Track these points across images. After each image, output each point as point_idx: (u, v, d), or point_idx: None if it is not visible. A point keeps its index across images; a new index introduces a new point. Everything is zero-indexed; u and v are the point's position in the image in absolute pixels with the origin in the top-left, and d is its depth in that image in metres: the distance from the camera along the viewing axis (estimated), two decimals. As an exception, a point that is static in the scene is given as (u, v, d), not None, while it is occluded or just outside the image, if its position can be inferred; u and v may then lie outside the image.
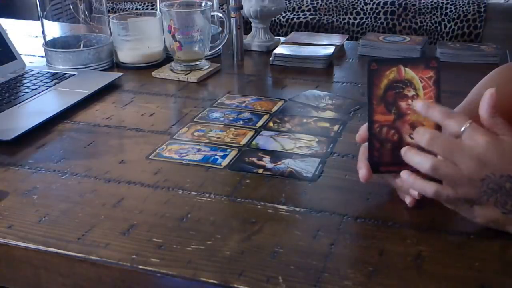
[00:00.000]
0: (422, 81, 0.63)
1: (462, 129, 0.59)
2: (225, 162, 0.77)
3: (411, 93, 0.63)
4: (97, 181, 0.74)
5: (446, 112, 0.61)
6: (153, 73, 1.14)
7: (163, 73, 1.14)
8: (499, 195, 0.57)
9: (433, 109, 0.61)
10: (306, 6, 2.36)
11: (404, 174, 0.63)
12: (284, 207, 0.67)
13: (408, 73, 0.63)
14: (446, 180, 0.59)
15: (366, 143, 0.66)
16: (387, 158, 0.65)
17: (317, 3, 2.36)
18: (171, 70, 1.15)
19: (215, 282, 0.54)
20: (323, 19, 2.29)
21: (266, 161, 0.77)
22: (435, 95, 0.63)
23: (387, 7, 2.27)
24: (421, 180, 0.61)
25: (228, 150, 0.81)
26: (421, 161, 0.60)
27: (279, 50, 1.22)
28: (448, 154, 0.59)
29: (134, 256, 0.58)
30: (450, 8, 2.20)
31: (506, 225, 0.59)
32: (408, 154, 0.62)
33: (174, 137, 0.86)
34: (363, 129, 0.66)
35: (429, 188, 0.60)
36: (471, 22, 2.15)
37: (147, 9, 2.43)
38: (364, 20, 2.28)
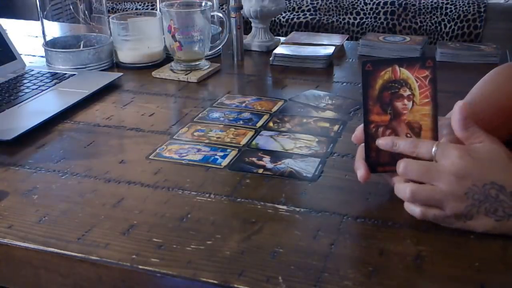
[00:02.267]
0: (418, 81, 0.63)
1: (433, 150, 0.59)
2: (225, 162, 0.77)
3: (406, 93, 0.63)
4: (97, 181, 0.74)
5: (412, 142, 0.62)
6: (153, 73, 1.14)
7: (163, 73, 1.14)
8: (488, 204, 0.57)
9: (399, 144, 0.63)
10: (306, 6, 2.36)
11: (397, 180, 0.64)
12: (284, 207, 0.67)
13: (404, 73, 0.63)
14: (428, 203, 0.60)
15: (363, 144, 0.66)
16: (384, 158, 0.65)
17: (317, 3, 2.36)
18: (171, 70, 1.15)
19: (215, 282, 0.54)
20: (323, 19, 2.29)
21: (266, 161, 0.77)
22: (431, 94, 0.63)
23: (387, 7, 2.27)
24: (408, 203, 0.62)
25: (228, 150, 0.81)
26: (401, 191, 0.62)
27: (279, 50, 1.22)
28: (424, 177, 0.60)
29: (134, 256, 0.58)
30: (450, 8, 2.20)
31: (506, 230, 0.58)
32: (395, 186, 0.63)
33: (174, 137, 0.86)
34: (359, 130, 0.66)
35: (416, 211, 0.61)
36: (471, 22, 2.15)
37: (147, 9, 2.43)
38: (364, 20, 2.28)
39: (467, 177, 0.57)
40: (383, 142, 0.64)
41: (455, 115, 0.61)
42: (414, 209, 0.61)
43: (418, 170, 0.60)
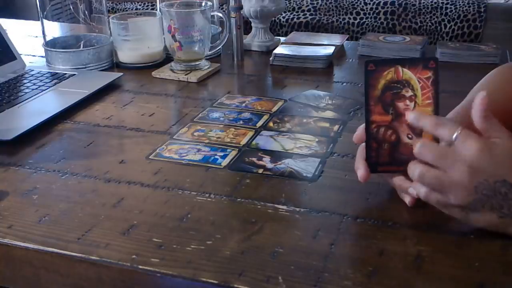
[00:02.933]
0: (420, 82, 0.63)
1: (454, 136, 0.59)
2: (225, 162, 0.77)
3: (409, 93, 0.63)
4: (97, 181, 0.74)
5: (437, 121, 0.61)
6: (153, 73, 1.14)
7: (163, 73, 1.14)
8: (494, 201, 0.57)
9: (424, 120, 0.62)
10: (306, 6, 2.36)
11: (397, 180, 0.65)
12: (284, 207, 0.67)
13: (406, 73, 0.63)
14: (432, 187, 0.59)
15: (364, 143, 0.66)
16: (384, 158, 0.65)
17: (317, 3, 2.36)
18: (171, 70, 1.15)
19: (215, 282, 0.54)
20: (323, 19, 2.29)
21: (266, 161, 0.77)
22: (433, 95, 0.63)
23: (387, 7, 2.27)
24: (414, 182, 0.62)
25: (228, 150, 0.81)
26: (411, 170, 0.61)
27: (279, 50, 1.22)
28: (438, 161, 0.59)
29: (134, 256, 0.58)
30: (450, 8, 2.20)
31: (506, 228, 0.58)
32: (409, 167, 0.62)
33: (174, 137, 0.86)
34: (360, 130, 0.66)
35: (421, 191, 0.61)
36: (471, 22, 2.15)
37: (147, 9, 2.44)
38: (364, 20, 2.29)
39: (481, 171, 0.57)
40: (411, 116, 0.62)
41: (476, 105, 0.59)
42: (419, 189, 0.61)
43: (433, 153, 0.59)
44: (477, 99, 0.60)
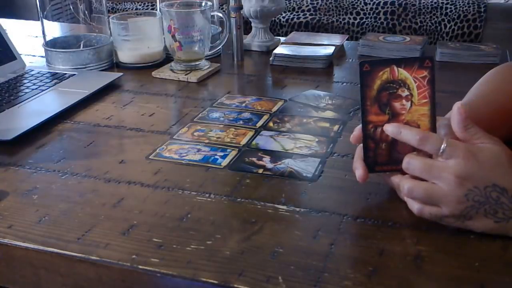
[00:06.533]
0: (416, 81, 0.63)
1: (442, 148, 0.59)
2: (225, 162, 0.77)
3: (405, 93, 0.63)
4: (97, 181, 0.74)
5: (422, 136, 0.61)
6: (153, 73, 1.14)
7: (163, 73, 1.14)
8: (488, 206, 0.57)
9: (406, 133, 0.62)
10: (306, 6, 2.36)
11: (395, 179, 0.65)
12: (284, 207, 0.67)
13: (402, 73, 0.63)
14: (423, 200, 0.60)
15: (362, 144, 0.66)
16: (382, 158, 0.65)
17: (317, 3, 2.36)
18: (171, 70, 1.15)
19: (215, 282, 0.54)
20: (323, 19, 2.29)
21: (266, 161, 0.77)
22: (429, 94, 0.63)
23: (387, 7, 2.27)
24: (408, 198, 0.62)
25: (228, 150, 0.81)
26: (401, 186, 0.62)
27: (279, 50, 1.22)
28: (426, 174, 0.59)
29: (134, 256, 0.58)
30: (450, 8, 2.20)
31: (504, 231, 0.58)
32: (399, 183, 0.63)
33: (174, 137, 0.86)
34: (358, 130, 0.66)
35: (414, 207, 0.61)
36: (471, 22, 2.16)
37: (147, 9, 2.44)
38: (364, 20, 2.29)
39: (469, 179, 0.57)
40: (390, 129, 0.63)
41: (455, 116, 0.60)
42: (413, 205, 0.61)
43: (420, 167, 0.60)
44: (454, 109, 0.60)
